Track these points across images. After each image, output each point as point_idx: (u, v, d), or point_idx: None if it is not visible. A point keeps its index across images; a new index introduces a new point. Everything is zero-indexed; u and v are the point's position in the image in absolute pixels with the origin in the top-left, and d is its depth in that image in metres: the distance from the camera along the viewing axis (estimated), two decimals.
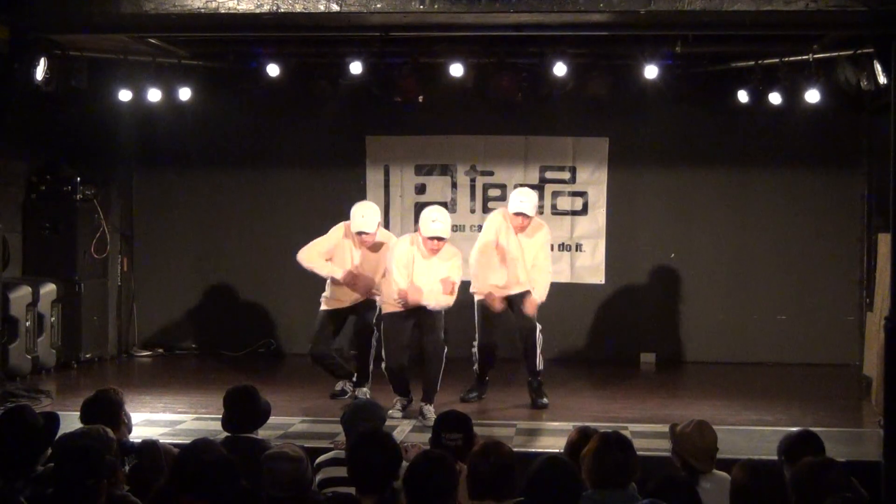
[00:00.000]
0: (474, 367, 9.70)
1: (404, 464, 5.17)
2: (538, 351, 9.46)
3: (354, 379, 9.71)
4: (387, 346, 9.09)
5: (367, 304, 9.59)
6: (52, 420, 5.74)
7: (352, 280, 9.46)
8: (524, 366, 9.59)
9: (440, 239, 8.87)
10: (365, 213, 9.41)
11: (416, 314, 9.03)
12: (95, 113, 11.32)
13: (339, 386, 9.78)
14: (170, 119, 11.57)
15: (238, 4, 8.10)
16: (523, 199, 9.40)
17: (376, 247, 9.48)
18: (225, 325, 12.39)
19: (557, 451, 5.96)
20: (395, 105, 11.35)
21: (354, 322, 9.74)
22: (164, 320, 12.43)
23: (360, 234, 9.37)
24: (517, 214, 9.33)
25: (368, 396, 9.35)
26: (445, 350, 9.04)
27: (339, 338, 9.90)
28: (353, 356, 9.92)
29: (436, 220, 8.90)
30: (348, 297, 9.55)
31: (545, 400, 9.52)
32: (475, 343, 9.62)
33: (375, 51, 10.62)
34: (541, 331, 9.47)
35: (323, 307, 9.66)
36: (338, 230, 9.60)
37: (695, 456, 5.38)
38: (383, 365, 9.15)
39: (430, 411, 8.82)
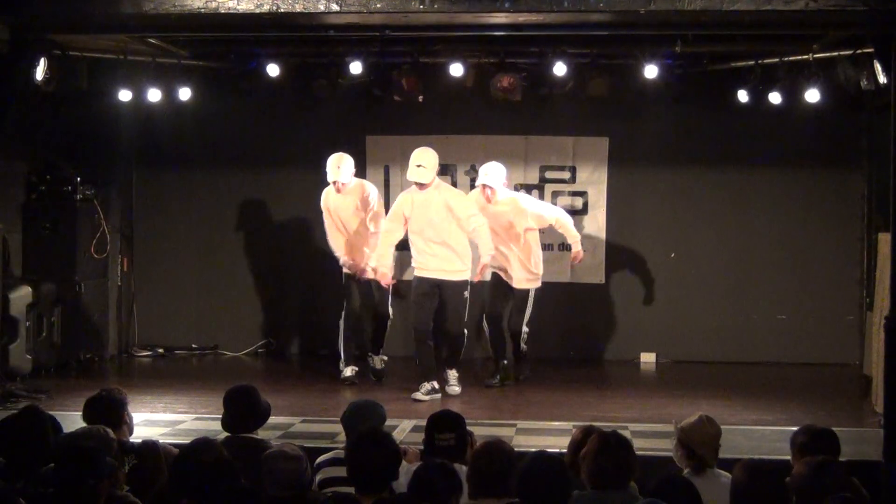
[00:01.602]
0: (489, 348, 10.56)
1: (404, 463, 5.18)
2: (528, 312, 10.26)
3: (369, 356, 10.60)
4: (414, 310, 9.80)
5: (376, 287, 10.32)
6: (55, 426, 5.75)
7: (349, 260, 10.36)
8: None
9: (421, 185, 9.61)
10: (341, 164, 10.17)
11: (442, 284, 9.66)
12: (95, 113, 11.32)
13: (348, 372, 10.40)
14: (170, 119, 11.57)
15: (238, 4, 8.10)
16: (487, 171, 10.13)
17: (355, 192, 10.34)
18: (225, 325, 12.38)
19: (556, 450, 5.96)
20: (395, 105, 11.34)
21: (371, 305, 10.48)
22: (164, 320, 12.42)
23: (335, 182, 10.16)
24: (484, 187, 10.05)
25: (385, 364, 10.41)
26: (466, 332, 9.80)
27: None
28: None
29: (420, 164, 9.60)
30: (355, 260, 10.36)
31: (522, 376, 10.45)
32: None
33: (375, 51, 10.62)
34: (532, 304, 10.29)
35: (345, 270, 10.47)
36: (323, 199, 10.43)
37: (702, 445, 5.42)
38: (413, 328, 9.85)
39: (453, 375, 9.71)
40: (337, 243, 10.44)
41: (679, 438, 5.52)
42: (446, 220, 9.62)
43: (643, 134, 11.97)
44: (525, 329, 10.38)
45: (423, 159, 9.63)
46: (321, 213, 11.01)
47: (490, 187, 10.05)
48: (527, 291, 10.29)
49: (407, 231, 9.86)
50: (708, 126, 11.84)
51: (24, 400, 8.88)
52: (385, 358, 10.57)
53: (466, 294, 9.73)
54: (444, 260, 9.67)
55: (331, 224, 10.45)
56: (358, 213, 10.36)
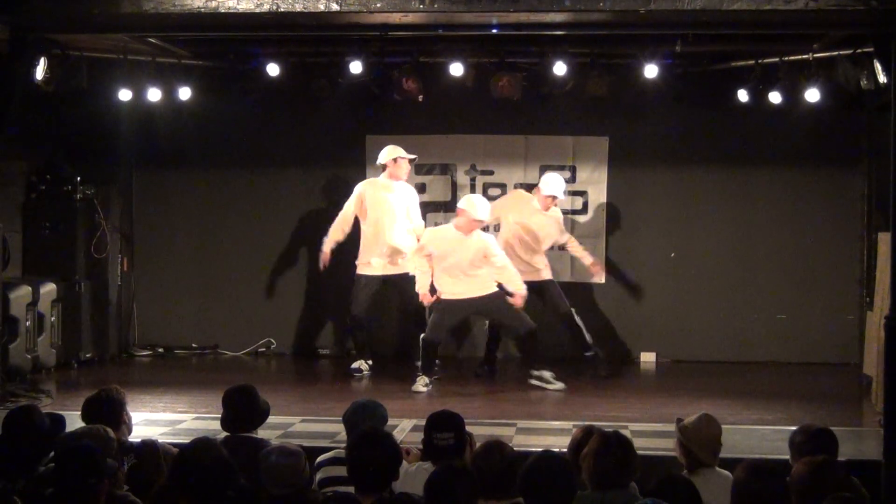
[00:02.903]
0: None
1: (404, 463, 5.18)
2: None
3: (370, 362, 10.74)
4: (434, 323, 9.97)
5: (405, 280, 10.37)
6: (58, 422, 5.75)
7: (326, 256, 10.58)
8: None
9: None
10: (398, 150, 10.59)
11: (475, 306, 10.00)
12: (95, 113, 11.31)
13: (356, 364, 10.63)
14: (170, 119, 11.56)
15: (238, 4, 8.09)
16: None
17: (408, 192, 10.69)
18: (225, 324, 12.38)
19: (556, 449, 5.96)
20: (395, 104, 11.34)
21: (400, 302, 10.79)
22: (163, 320, 12.41)
23: (395, 160, 10.54)
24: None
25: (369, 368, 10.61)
26: (534, 325, 10.02)
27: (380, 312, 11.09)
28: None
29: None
30: (379, 263, 10.50)
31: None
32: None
33: (375, 50, 10.62)
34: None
35: (358, 271, 10.62)
36: (350, 201, 10.63)
37: (700, 446, 5.41)
38: (422, 336, 10.00)
39: (543, 374, 10.01)
40: (335, 237, 10.56)
41: (679, 438, 5.52)
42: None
43: (643, 134, 11.96)
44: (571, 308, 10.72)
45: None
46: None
47: (553, 196, 10.65)
48: (551, 280, 10.74)
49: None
50: (708, 126, 11.83)
51: (24, 400, 8.88)
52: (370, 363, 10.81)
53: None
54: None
55: (348, 217, 10.57)
56: (402, 214, 10.57)
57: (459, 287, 9.91)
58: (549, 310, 10.69)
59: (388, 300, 11.11)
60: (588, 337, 10.68)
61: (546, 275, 10.69)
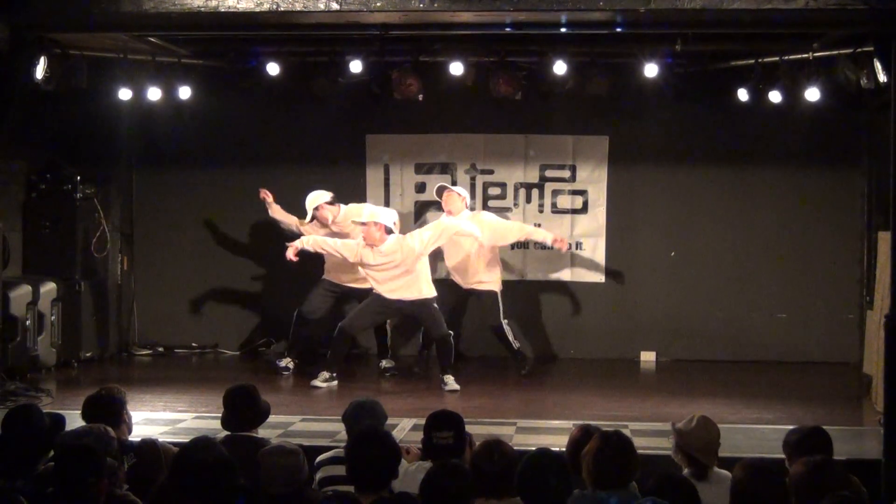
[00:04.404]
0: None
1: (404, 463, 5.18)
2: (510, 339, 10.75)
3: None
4: (357, 312, 10.20)
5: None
6: (58, 421, 5.75)
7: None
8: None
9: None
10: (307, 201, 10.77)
11: (402, 309, 10.09)
12: (95, 112, 11.31)
13: (283, 362, 10.86)
14: (170, 118, 11.57)
15: (238, 3, 8.09)
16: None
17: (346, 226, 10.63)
18: (225, 324, 12.38)
19: (556, 448, 5.96)
20: (395, 103, 11.33)
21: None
22: (163, 319, 12.42)
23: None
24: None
25: (392, 365, 10.84)
26: (451, 335, 10.04)
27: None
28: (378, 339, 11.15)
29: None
30: (344, 276, 10.64)
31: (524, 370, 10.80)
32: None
33: (375, 49, 10.62)
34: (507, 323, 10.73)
35: (325, 276, 10.83)
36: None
37: (700, 451, 5.40)
38: (340, 324, 10.15)
39: (451, 379, 9.93)
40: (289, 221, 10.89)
41: (677, 443, 5.50)
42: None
43: (643, 133, 11.97)
44: (504, 321, 10.66)
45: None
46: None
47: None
48: (495, 293, 10.68)
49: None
50: (708, 125, 11.84)
51: (24, 399, 8.88)
52: (393, 363, 10.96)
53: (435, 305, 10.10)
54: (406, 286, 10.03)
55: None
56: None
57: (397, 284, 9.96)
58: (486, 318, 10.82)
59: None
60: (515, 344, 10.78)
61: (492, 287, 10.70)
